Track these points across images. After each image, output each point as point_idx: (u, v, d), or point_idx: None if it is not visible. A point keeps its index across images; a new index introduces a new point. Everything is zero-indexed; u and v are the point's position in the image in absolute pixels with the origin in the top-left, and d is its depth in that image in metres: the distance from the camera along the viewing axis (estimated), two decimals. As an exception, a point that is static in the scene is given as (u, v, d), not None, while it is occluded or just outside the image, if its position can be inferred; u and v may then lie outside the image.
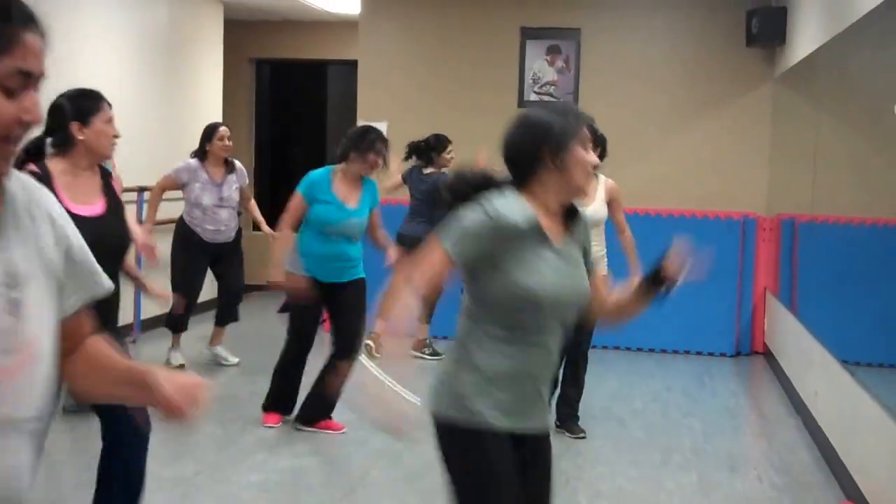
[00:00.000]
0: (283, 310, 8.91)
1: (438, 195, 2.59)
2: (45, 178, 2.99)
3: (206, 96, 8.97)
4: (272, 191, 10.93)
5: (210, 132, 6.35)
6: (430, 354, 7.02)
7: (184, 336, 6.61)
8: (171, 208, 6.69)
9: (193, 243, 6.31)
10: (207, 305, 7.32)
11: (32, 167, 3.06)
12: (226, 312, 6.67)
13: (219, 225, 6.35)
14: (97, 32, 7.05)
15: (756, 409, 6.45)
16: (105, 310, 3.23)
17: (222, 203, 6.33)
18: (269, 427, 5.22)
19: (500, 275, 2.35)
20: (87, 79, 5.89)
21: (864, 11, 4.57)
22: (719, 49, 7.91)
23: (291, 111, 11.11)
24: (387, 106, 8.28)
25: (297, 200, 4.95)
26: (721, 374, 7.07)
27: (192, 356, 6.69)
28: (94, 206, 3.16)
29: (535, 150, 2.40)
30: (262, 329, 8.11)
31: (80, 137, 3.14)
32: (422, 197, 7.00)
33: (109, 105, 3.26)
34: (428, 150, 7.11)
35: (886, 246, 4.51)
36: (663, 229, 7.65)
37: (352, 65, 9.01)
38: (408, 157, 7.14)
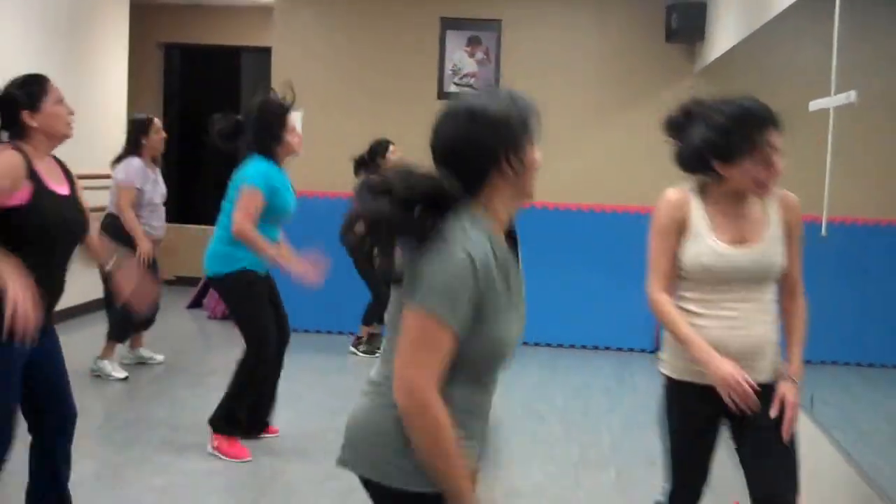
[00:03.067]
0: (193, 305, 8.73)
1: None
2: (27, 158, 3.09)
3: (112, 83, 8.59)
4: (181, 181, 10.61)
5: (145, 125, 6.01)
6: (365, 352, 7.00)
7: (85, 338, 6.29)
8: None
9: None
10: (95, 305, 7.09)
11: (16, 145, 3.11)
12: (150, 317, 6.18)
13: (161, 220, 6.12)
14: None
15: (673, 405, 6.45)
16: (51, 289, 3.10)
17: (163, 198, 6.13)
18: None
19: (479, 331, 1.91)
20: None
21: (782, 7, 4.59)
22: (639, 44, 7.91)
23: (203, 99, 10.77)
24: (302, 95, 7.86)
25: (259, 198, 4.51)
26: (641, 370, 7.06)
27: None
28: (63, 187, 3.22)
29: (493, 152, 1.89)
30: (172, 326, 7.85)
31: (34, 124, 3.15)
32: None
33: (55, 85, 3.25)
34: (371, 157, 6.93)
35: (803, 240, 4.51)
36: (583, 225, 7.68)
37: (266, 52, 8.76)
38: (356, 173, 6.84)
